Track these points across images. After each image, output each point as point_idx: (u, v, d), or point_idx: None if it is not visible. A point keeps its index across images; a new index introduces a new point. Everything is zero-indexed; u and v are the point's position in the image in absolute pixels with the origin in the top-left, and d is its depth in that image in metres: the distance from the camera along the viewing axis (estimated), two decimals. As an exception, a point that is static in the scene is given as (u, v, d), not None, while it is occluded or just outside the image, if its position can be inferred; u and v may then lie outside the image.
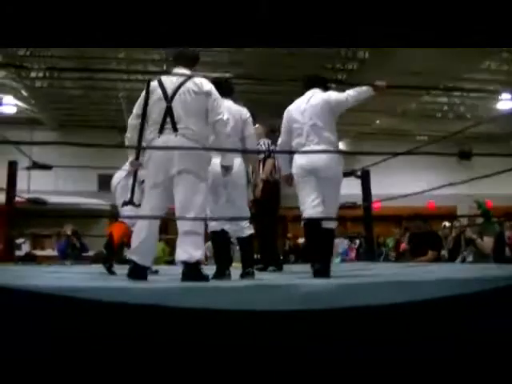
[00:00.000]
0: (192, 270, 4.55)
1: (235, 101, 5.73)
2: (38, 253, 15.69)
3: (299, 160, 5.44)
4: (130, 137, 5.02)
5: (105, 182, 19.67)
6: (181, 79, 4.79)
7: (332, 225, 5.40)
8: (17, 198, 8.48)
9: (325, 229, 5.32)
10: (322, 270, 5.07)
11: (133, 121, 4.99)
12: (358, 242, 15.76)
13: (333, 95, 5.50)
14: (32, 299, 3.25)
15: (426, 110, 19.79)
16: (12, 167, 8.30)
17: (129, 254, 4.83)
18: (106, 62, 14.80)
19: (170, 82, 4.81)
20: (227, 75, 6.58)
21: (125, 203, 5.50)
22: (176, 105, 4.72)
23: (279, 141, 5.78)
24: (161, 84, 4.81)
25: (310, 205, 5.37)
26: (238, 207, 5.43)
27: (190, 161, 4.64)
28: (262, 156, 7.66)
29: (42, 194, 10.78)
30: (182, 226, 4.66)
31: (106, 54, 14.55)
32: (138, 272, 4.65)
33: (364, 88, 5.37)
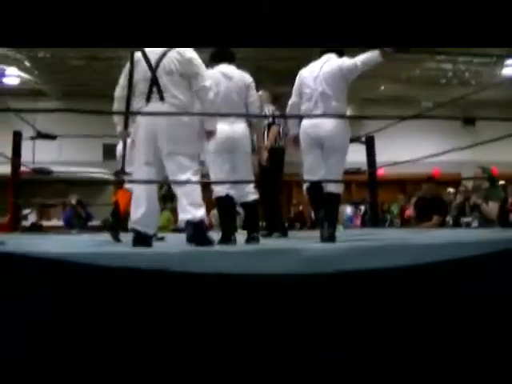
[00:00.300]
0: (197, 230, 4.65)
1: (238, 67, 5.72)
2: (45, 223, 15.74)
3: (305, 126, 5.44)
4: (117, 108, 5.07)
5: (109, 152, 19.76)
6: (164, 49, 4.83)
7: (336, 189, 5.37)
8: (22, 168, 8.50)
9: (328, 193, 5.32)
10: (328, 235, 5.09)
11: (119, 92, 5.04)
12: (363, 208, 15.76)
13: (346, 61, 5.44)
14: (34, 265, 3.27)
15: (431, 77, 19.65)
16: (16, 137, 8.31)
17: (131, 224, 4.84)
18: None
19: (153, 52, 4.85)
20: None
21: (116, 172, 5.52)
22: (161, 74, 4.79)
23: (289, 101, 5.73)
24: (144, 55, 4.86)
25: (311, 171, 5.44)
26: (242, 173, 5.45)
27: (178, 138, 4.71)
28: (266, 122, 7.66)
29: (46, 164, 10.80)
30: (178, 189, 4.77)
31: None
32: (143, 240, 4.70)
33: (372, 53, 5.34)
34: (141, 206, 4.77)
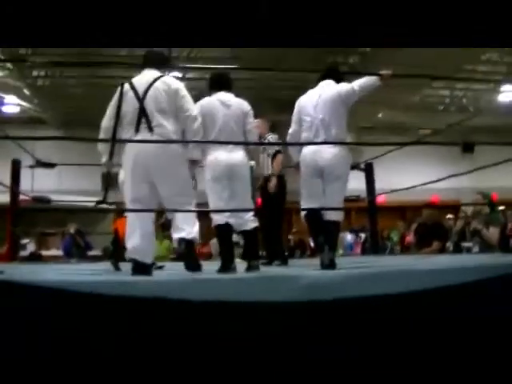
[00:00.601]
0: (190, 249, 4.89)
1: (236, 95, 5.73)
2: (44, 252, 15.70)
3: (306, 154, 5.44)
4: (104, 138, 5.09)
5: (108, 181, 19.73)
6: (151, 79, 4.97)
7: (336, 217, 5.37)
8: (21, 197, 8.47)
9: (328, 221, 5.32)
10: (328, 262, 5.09)
11: (106, 123, 5.07)
12: (363, 236, 15.72)
13: (344, 86, 5.45)
14: (33, 293, 3.26)
15: (428, 103, 19.77)
16: (15, 165, 8.30)
17: (128, 254, 4.93)
18: (107, 59, 14.79)
19: (140, 83, 4.98)
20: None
21: (98, 202, 5.53)
22: (149, 104, 4.88)
23: (289, 130, 5.71)
24: (132, 86, 4.97)
25: (309, 199, 5.44)
26: (242, 200, 5.43)
27: (166, 167, 4.86)
28: (271, 151, 7.67)
29: (45, 193, 10.79)
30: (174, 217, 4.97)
31: (109, 51, 14.54)
32: (141, 269, 4.75)
33: (370, 78, 5.36)
34: (135, 235, 4.84)
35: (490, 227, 9.49)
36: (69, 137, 19.79)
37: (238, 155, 5.40)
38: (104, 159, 5.13)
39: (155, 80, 4.96)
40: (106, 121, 5.07)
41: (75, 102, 18.51)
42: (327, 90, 5.50)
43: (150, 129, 4.86)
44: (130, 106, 4.93)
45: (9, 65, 15.13)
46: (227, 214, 5.35)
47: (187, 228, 4.89)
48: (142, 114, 4.88)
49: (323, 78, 5.67)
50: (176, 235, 4.93)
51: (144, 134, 4.84)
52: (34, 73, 16.07)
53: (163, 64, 5.38)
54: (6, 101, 17.43)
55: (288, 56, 14.22)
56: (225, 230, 5.39)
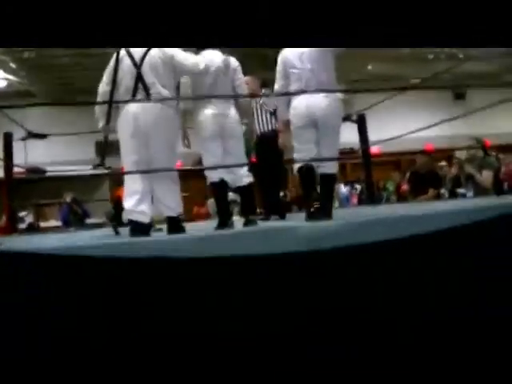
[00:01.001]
0: (174, 224, 4.99)
1: (223, 52, 5.71)
2: (42, 224, 15.72)
3: (298, 106, 5.33)
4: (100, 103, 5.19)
5: (101, 149, 19.67)
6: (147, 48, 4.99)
7: (332, 169, 5.37)
8: (15, 169, 8.45)
9: (324, 174, 5.32)
10: (323, 212, 5.08)
11: (103, 88, 5.16)
12: (359, 187, 15.72)
13: None
14: (32, 261, 3.28)
15: (418, 53, 19.63)
16: (7, 138, 8.25)
17: (126, 215, 5.01)
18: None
19: (136, 50, 5.00)
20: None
21: (94, 166, 5.56)
22: (146, 71, 4.96)
23: (275, 86, 5.63)
24: (128, 52, 5.01)
25: (302, 152, 5.36)
26: (235, 156, 5.44)
27: (165, 132, 4.98)
28: (272, 108, 7.64)
29: (39, 165, 10.76)
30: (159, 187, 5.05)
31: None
32: (140, 229, 4.82)
33: None
34: (133, 195, 4.92)
35: (484, 171, 9.51)
36: (58, 103, 19.73)
37: (229, 112, 5.40)
38: (101, 124, 5.22)
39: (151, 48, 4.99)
40: (102, 86, 5.15)
41: (62, 72, 18.35)
42: None
43: (147, 94, 4.92)
44: (127, 72, 5.00)
45: (-7, 38, 14.96)
46: (221, 170, 5.37)
47: (171, 204, 5.02)
48: (139, 80, 4.95)
49: None
50: (165, 213, 5.08)
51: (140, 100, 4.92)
52: (20, 45, 15.89)
53: None
54: (-8, 75, 17.29)
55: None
56: (220, 187, 5.42)
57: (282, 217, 7.59)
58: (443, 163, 12.62)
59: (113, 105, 5.06)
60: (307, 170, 5.32)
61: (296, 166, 5.46)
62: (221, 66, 5.51)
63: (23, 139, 9.21)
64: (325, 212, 5.09)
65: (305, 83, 5.30)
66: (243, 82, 5.72)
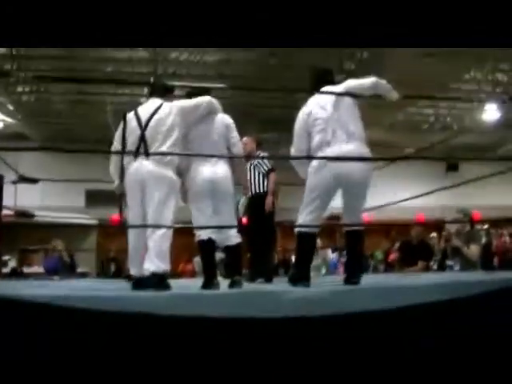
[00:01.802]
0: (159, 281, 4.87)
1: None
2: (25, 269, 15.56)
3: (322, 163, 4.97)
4: (113, 163, 5.39)
5: (92, 198, 19.81)
6: (154, 108, 5.19)
7: (360, 226, 5.24)
8: (3, 212, 8.38)
9: (353, 231, 5.19)
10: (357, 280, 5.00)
11: (114, 147, 5.37)
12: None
13: (351, 82, 5.19)
14: (25, 309, 3.23)
15: (413, 122, 19.83)
16: (-2, 180, 8.21)
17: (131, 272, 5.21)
18: (93, 76, 14.79)
19: (144, 112, 5.22)
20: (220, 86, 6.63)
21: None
22: (149, 132, 5.11)
23: (293, 147, 5.35)
24: (136, 114, 5.23)
25: (311, 215, 5.08)
26: (225, 216, 5.39)
27: (155, 189, 5.01)
28: (263, 169, 7.67)
29: (28, 209, 10.70)
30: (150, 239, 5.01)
31: (95, 66, 14.57)
32: (141, 283, 4.93)
33: (387, 85, 5.13)
34: (132, 248, 5.19)
35: (471, 245, 9.48)
36: (51, 147, 19.77)
37: (221, 169, 5.36)
38: (116, 183, 5.37)
39: (157, 108, 5.18)
40: (114, 145, 5.36)
41: (59, 118, 18.47)
42: (334, 89, 5.20)
43: (147, 155, 5.03)
44: (133, 133, 5.17)
45: (-7, 80, 15.08)
46: (210, 229, 5.32)
47: (158, 262, 4.95)
48: (142, 141, 5.10)
49: (318, 84, 5.33)
50: (148, 266, 4.97)
51: (140, 161, 5.05)
52: (19, 88, 16.00)
53: (167, 92, 5.51)
54: (-11, 116, 17.34)
55: (273, 73, 14.28)
56: (207, 246, 5.35)
57: (269, 280, 7.51)
58: (433, 234, 12.62)
59: (124, 164, 5.23)
60: (309, 238, 5.16)
61: (297, 229, 5.19)
62: (214, 123, 5.51)
63: (14, 183, 9.18)
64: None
65: (331, 133, 5.00)
66: (238, 140, 5.66)
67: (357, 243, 5.22)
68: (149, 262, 4.93)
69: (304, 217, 5.10)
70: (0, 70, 13.98)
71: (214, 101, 5.52)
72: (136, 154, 5.07)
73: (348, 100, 5.12)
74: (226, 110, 5.73)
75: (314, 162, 5.06)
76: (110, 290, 5.01)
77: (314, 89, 5.35)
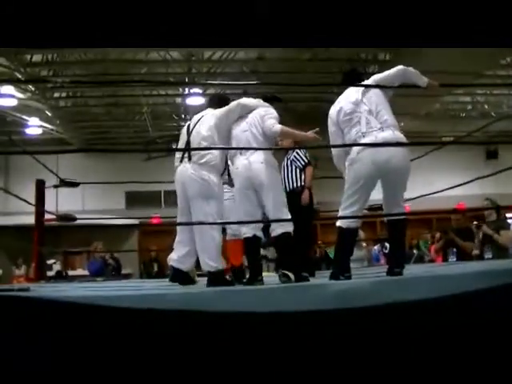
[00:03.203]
0: (216, 280, 5.09)
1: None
2: (70, 272, 15.75)
3: (363, 155, 4.94)
4: None
5: (132, 199, 19.98)
6: (201, 116, 5.58)
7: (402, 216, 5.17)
8: (46, 216, 8.51)
9: (393, 222, 5.14)
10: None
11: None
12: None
13: (379, 75, 5.24)
14: (60, 309, 3.29)
15: (450, 111, 19.64)
16: (40, 185, 8.34)
17: (170, 262, 5.62)
18: (127, 79, 14.90)
19: (195, 119, 5.61)
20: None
21: None
22: (194, 137, 5.44)
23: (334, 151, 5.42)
24: (189, 122, 5.65)
25: (353, 207, 5.04)
26: (268, 206, 5.27)
27: (201, 193, 5.29)
28: (301, 164, 7.65)
29: (70, 213, 10.83)
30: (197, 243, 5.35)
31: (129, 69, 14.69)
32: (180, 277, 5.42)
33: (418, 73, 5.11)
34: (183, 247, 5.51)
35: (501, 231, 9.36)
36: (91, 149, 19.96)
37: (257, 160, 5.25)
38: None
39: (205, 115, 5.55)
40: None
41: (97, 121, 18.67)
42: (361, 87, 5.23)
43: (190, 158, 5.34)
44: (183, 139, 5.58)
45: (30, 87, 15.28)
46: (254, 225, 5.28)
47: (211, 263, 5.21)
48: (187, 146, 5.45)
49: (346, 81, 5.49)
50: (204, 267, 5.31)
51: (185, 164, 5.39)
52: (56, 94, 16.19)
53: (223, 104, 5.63)
54: (28, 123, 17.56)
55: (305, 67, 14.28)
56: (253, 243, 5.33)
57: (311, 274, 7.48)
58: (475, 222, 12.50)
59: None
60: (350, 232, 5.11)
61: (339, 223, 5.13)
62: (251, 121, 5.54)
63: (55, 187, 9.29)
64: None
65: (365, 123, 5.02)
66: (271, 125, 5.58)
67: (399, 233, 5.18)
68: (203, 265, 5.29)
69: (345, 210, 5.08)
70: (36, 76, 14.17)
71: (245, 101, 5.60)
72: (182, 157, 5.42)
73: (376, 91, 5.14)
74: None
75: (352, 155, 5.03)
76: (154, 289, 5.05)
77: (342, 83, 5.57)
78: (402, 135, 5.10)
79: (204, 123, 5.45)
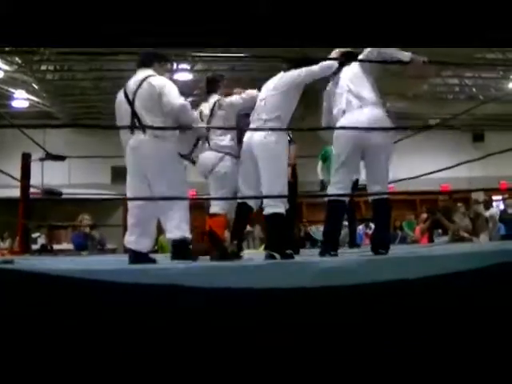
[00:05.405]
0: (179, 248, 5.01)
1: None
2: (54, 246, 15.70)
3: (344, 131, 5.09)
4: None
5: (118, 174, 19.87)
6: (138, 82, 5.13)
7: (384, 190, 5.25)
8: (31, 190, 8.48)
9: (377, 200, 5.20)
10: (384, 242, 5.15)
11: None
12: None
13: (361, 55, 5.28)
14: (44, 281, 3.30)
15: (437, 93, 19.66)
16: (25, 159, 8.30)
17: (127, 245, 5.18)
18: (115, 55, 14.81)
19: (130, 87, 5.16)
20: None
21: None
22: (138, 106, 5.06)
23: (322, 122, 5.67)
24: (124, 91, 5.20)
25: (340, 184, 5.18)
26: (264, 183, 5.26)
27: (160, 167, 5.03)
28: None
29: (55, 187, 10.79)
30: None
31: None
32: (139, 258, 4.93)
33: (404, 52, 5.12)
34: (135, 227, 5.11)
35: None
36: (77, 124, 19.86)
37: (258, 135, 5.30)
38: None
39: (141, 82, 5.10)
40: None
41: (84, 95, 18.55)
42: (349, 66, 5.41)
43: (143, 130, 5.00)
44: (124, 109, 5.14)
45: (17, 59, 15.14)
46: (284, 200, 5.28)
47: (175, 230, 5.04)
48: (134, 116, 5.05)
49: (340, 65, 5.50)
50: (168, 235, 5.13)
51: (137, 135, 5.04)
52: (43, 67, 16.05)
53: (154, 61, 5.35)
54: (15, 95, 17.43)
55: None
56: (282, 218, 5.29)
57: (296, 252, 7.50)
58: (459, 205, 12.62)
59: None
60: (339, 207, 5.21)
61: (326, 199, 5.30)
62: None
63: (41, 160, 9.25)
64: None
65: (345, 102, 5.20)
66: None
67: (382, 213, 5.23)
68: (168, 232, 5.09)
69: (332, 186, 5.23)
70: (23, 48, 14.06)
71: None
72: (132, 130, 5.09)
73: (359, 73, 5.30)
74: (249, 83, 5.76)
75: (335, 133, 5.23)
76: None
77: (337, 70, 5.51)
78: (381, 113, 5.21)
79: (147, 94, 5.07)
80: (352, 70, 5.34)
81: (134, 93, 5.07)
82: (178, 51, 9.10)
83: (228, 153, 5.81)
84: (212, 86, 6.10)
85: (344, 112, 5.18)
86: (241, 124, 5.88)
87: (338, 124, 5.19)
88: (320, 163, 8.78)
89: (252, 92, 5.86)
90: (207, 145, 5.86)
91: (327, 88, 5.55)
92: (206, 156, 5.86)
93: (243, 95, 5.88)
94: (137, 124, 5.04)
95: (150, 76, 5.12)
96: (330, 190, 5.25)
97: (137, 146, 5.03)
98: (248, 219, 5.65)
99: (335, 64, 5.32)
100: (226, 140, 5.84)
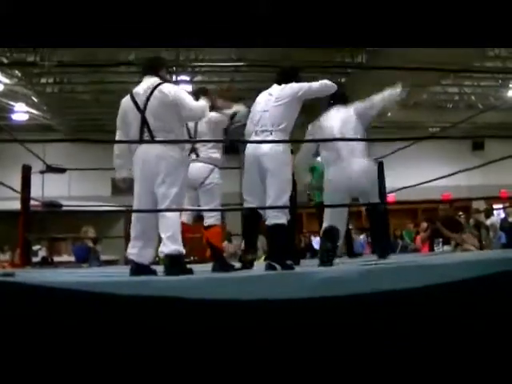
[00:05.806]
0: (173, 263, 4.78)
1: None
2: (55, 258, 15.67)
3: (333, 177, 5.60)
4: (117, 150, 5.33)
5: (118, 186, 19.75)
6: (149, 90, 5.01)
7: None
8: (32, 203, 8.47)
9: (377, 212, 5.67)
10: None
11: (117, 136, 5.31)
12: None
13: (358, 106, 5.62)
14: (46, 294, 3.29)
15: (437, 101, 19.68)
16: (26, 171, 8.29)
17: (128, 256, 5.09)
18: (115, 66, 14.84)
19: (140, 94, 5.04)
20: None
21: None
22: (149, 115, 4.96)
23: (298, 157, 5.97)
24: (132, 97, 5.06)
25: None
26: (269, 193, 5.27)
27: (167, 172, 4.90)
28: None
29: (56, 199, 10.78)
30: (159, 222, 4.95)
31: (117, 56, 14.60)
32: (141, 270, 4.84)
33: (391, 90, 5.33)
34: (138, 239, 5.00)
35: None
36: (77, 138, 19.85)
37: (265, 146, 5.31)
38: (117, 175, 5.39)
39: (153, 90, 5.01)
40: (117, 135, 5.29)
41: (84, 108, 18.56)
42: (339, 115, 5.75)
43: (152, 138, 4.95)
44: (132, 116, 5.05)
45: (17, 72, 15.16)
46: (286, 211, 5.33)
47: (170, 244, 4.84)
48: (144, 124, 4.98)
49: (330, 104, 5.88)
50: (162, 248, 4.90)
51: (147, 145, 4.96)
52: (43, 80, 16.08)
53: (160, 68, 5.29)
54: (15, 108, 17.44)
55: (292, 55, 14.27)
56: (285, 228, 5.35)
57: (296, 263, 7.49)
58: (460, 213, 12.63)
59: (128, 150, 5.16)
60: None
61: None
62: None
63: (42, 172, 9.25)
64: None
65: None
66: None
67: (378, 222, 5.42)
68: (162, 245, 4.90)
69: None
70: (23, 61, 14.08)
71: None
72: (141, 138, 5.03)
73: (351, 122, 5.72)
74: (249, 93, 5.77)
75: (326, 177, 5.91)
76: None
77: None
78: (371, 163, 5.79)
79: (159, 103, 5.01)
80: (345, 115, 5.69)
81: (146, 100, 4.99)
82: (178, 63, 9.14)
83: (216, 165, 5.91)
84: (196, 99, 6.08)
85: (335, 161, 5.61)
86: (235, 135, 5.90)
87: (331, 170, 5.68)
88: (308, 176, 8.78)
89: (238, 107, 5.90)
90: (194, 156, 5.86)
91: (313, 126, 5.87)
92: (197, 167, 5.84)
93: (226, 111, 5.89)
94: (146, 133, 4.98)
95: (160, 83, 5.06)
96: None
97: (145, 152, 4.96)
98: (259, 227, 5.65)
99: (334, 86, 5.33)
100: (218, 153, 5.93)
